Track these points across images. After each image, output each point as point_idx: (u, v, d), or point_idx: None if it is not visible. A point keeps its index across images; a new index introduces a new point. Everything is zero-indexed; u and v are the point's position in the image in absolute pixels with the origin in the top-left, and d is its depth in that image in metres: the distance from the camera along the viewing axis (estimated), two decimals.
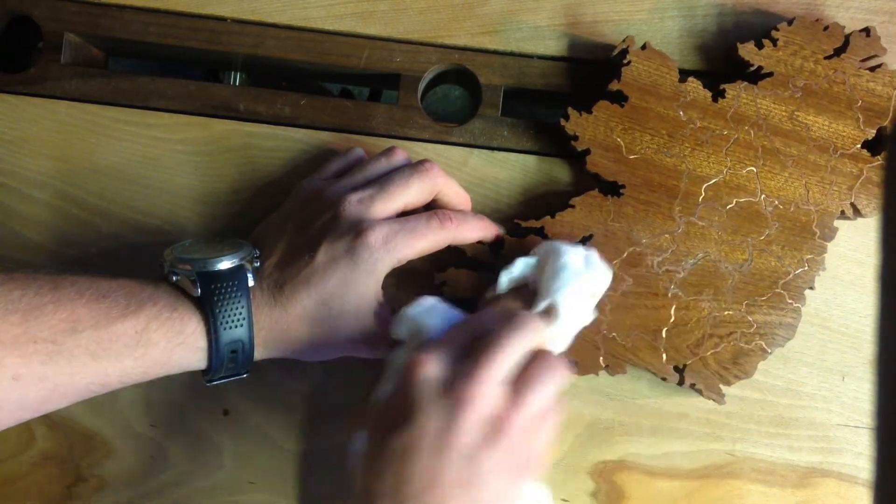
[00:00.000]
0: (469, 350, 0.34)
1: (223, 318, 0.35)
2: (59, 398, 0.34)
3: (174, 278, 0.36)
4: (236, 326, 0.35)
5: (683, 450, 0.44)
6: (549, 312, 0.37)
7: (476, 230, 0.41)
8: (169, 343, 0.35)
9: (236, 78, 0.59)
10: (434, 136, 0.45)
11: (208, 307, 0.35)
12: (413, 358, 0.33)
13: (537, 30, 0.45)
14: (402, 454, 0.31)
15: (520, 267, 0.39)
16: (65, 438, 0.44)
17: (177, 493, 0.43)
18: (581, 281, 0.37)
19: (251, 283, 0.36)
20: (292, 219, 0.39)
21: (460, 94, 0.52)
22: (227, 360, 0.36)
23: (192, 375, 0.45)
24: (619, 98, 0.42)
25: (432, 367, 0.33)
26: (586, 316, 0.38)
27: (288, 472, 0.44)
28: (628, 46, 0.42)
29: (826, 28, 0.42)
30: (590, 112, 0.42)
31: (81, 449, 0.44)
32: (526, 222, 0.42)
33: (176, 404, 0.44)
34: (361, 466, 0.33)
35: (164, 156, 0.44)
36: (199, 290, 0.35)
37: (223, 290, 0.35)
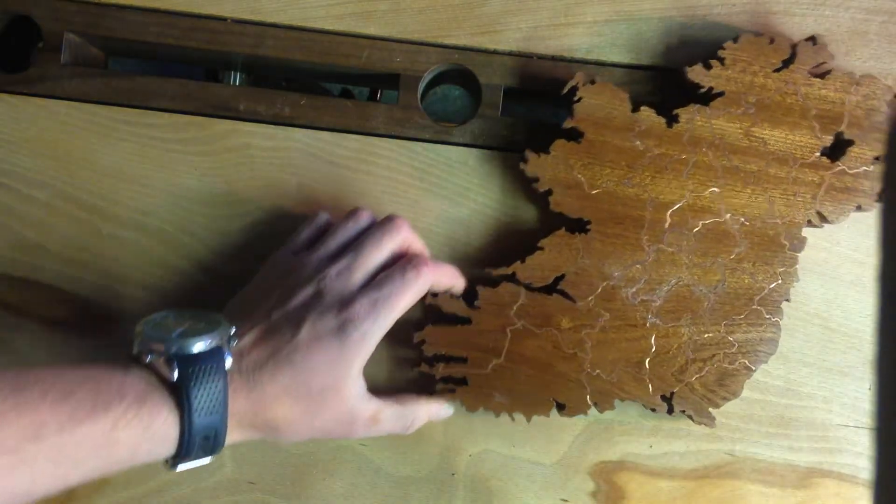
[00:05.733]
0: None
1: (199, 404, 0.33)
2: (10, 501, 0.32)
3: (148, 358, 0.34)
4: (211, 413, 0.33)
5: (683, 450, 0.44)
6: None
7: (449, 275, 0.41)
8: (136, 440, 0.32)
9: (236, 78, 0.59)
10: (434, 136, 0.45)
11: (184, 392, 0.33)
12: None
13: (537, 30, 0.45)
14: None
15: None
16: None
17: (177, 493, 0.43)
18: None
19: (228, 364, 0.35)
20: (269, 294, 0.39)
21: (460, 94, 0.52)
22: (197, 449, 0.34)
23: None
24: (575, 135, 0.42)
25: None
26: None
27: (288, 472, 0.44)
28: (577, 83, 0.42)
29: (772, 41, 0.42)
30: (547, 152, 0.42)
31: None
32: (497, 271, 0.42)
33: None
34: None
35: (164, 156, 0.44)
36: (176, 374, 0.33)
37: (200, 375, 0.33)
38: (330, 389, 0.36)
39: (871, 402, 0.44)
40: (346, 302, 0.37)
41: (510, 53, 0.45)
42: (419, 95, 0.45)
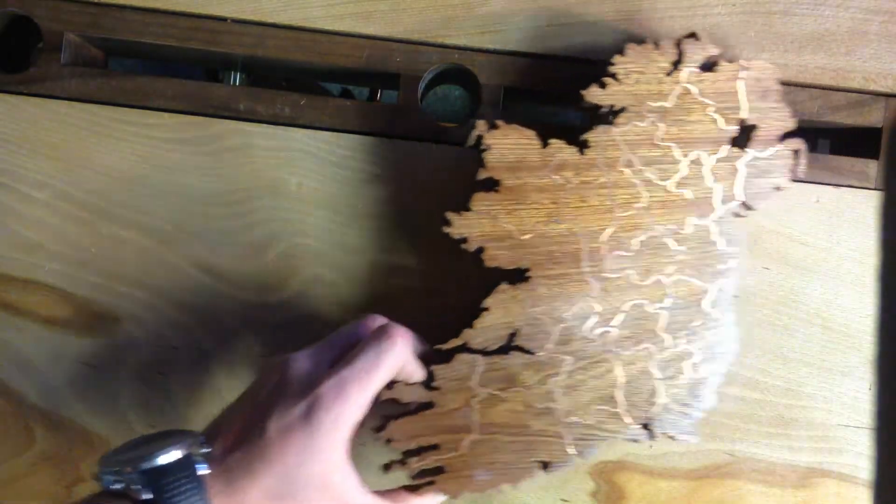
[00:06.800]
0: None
1: None
2: None
3: (116, 485, 0.31)
4: None
5: (683, 450, 0.44)
6: None
7: (421, 346, 0.39)
8: None
9: (236, 78, 0.59)
10: (434, 136, 0.45)
11: None
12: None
13: (537, 30, 0.45)
14: None
15: None
16: (65, 438, 0.44)
17: None
18: None
19: (204, 471, 0.32)
20: (243, 397, 0.37)
21: (460, 94, 0.52)
22: None
23: (189, 378, 0.45)
24: (492, 184, 0.41)
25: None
26: None
27: None
28: (482, 132, 0.41)
29: (657, 46, 0.41)
30: (468, 209, 0.41)
31: (81, 449, 0.44)
32: (447, 345, 0.40)
33: (175, 405, 0.44)
34: None
35: (164, 156, 0.44)
36: (149, 491, 0.31)
37: (176, 486, 0.31)
38: (316, 485, 0.33)
39: (871, 402, 0.44)
40: (311, 385, 0.34)
41: (510, 53, 0.45)
42: (419, 95, 0.45)
